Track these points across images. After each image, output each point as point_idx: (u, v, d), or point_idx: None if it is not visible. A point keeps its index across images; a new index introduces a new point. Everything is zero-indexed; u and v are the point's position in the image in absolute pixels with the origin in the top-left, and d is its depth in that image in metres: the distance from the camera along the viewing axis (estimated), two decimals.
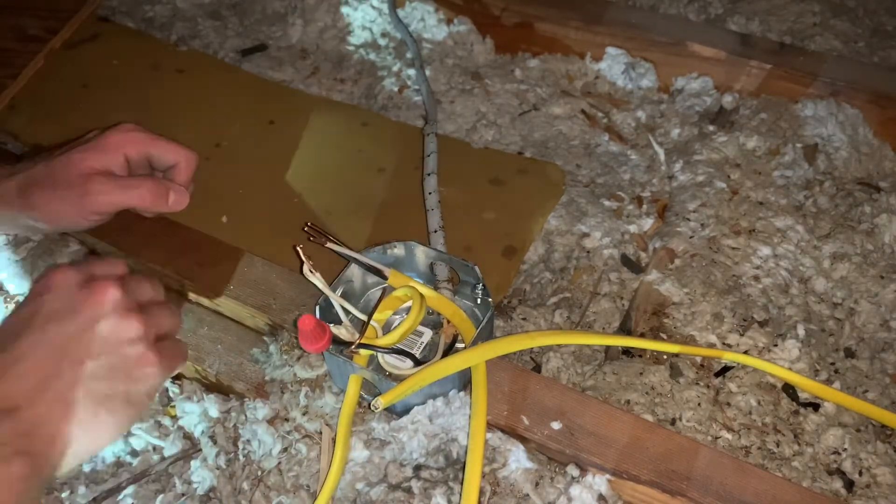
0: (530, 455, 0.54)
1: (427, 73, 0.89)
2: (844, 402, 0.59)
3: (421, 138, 0.79)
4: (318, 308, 0.58)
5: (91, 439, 0.48)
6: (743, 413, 0.59)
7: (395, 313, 0.62)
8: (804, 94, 0.82)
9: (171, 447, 0.60)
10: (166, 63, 0.93)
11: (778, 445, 0.58)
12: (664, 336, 0.64)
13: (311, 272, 0.56)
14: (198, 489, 0.57)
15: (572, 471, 0.54)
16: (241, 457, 0.57)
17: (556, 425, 0.54)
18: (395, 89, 0.89)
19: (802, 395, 0.61)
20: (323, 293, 0.57)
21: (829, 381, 0.61)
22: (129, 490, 0.58)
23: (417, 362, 0.57)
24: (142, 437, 0.61)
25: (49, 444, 0.45)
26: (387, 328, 0.61)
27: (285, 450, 0.56)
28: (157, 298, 0.55)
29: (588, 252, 0.71)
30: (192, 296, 0.66)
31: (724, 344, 0.63)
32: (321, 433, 0.57)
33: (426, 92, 0.85)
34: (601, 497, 0.52)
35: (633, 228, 0.73)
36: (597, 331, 0.66)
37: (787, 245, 0.70)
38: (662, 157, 0.80)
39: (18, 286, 0.68)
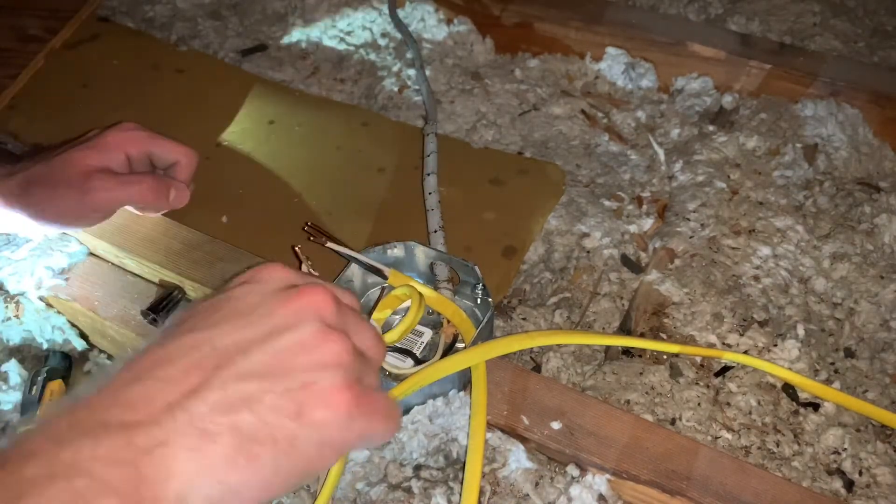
0: (530, 455, 0.54)
1: (427, 73, 0.89)
2: (844, 403, 0.59)
3: (421, 138, 0.79)
4: None
5: (215, 492, 0.33)
6: (743, 413, 0.59)
7: (394, 313, 0.62)
8: (804, 94, 0.82)
9: None
10: (166, 63, 0.93)
11: (778, 445, 0.58)
12: (664, 336, 0.64)
13: (310, 272, 0.56)
14: None
15: (572, 471, 0.54)
16: None
17: (556, 425, 0.54)
18: (395, 89, 0.89)
19: (802, 395, 0.61)
20: None
21: (828, 381, 0.61)
22: None
23: (417, 362, 0.57)
24: None
25: (157, 485, 0.32)
26: (386, 327, 0.61)
27: None
28: (377, 350, 0.42)
29: (588, 252, 0.71)
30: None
31: (723, 344, 0.63)
32: None
33: (426, 92, 0.85)
34: (601, 497, 0.52)
35: (633, 228, 0.73)
36: (597, 331, 0.66)
37: (786, 245, 0.70)
38: (662, 157, 0.80)
39: (18, 286, 0.68)
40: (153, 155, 0.67)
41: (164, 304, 0.64)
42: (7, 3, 0.98)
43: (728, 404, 0.60)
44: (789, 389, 0.61)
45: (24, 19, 0.97)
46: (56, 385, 0.63)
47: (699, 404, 0.59)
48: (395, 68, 0.91)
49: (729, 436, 0.58)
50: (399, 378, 0.56)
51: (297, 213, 0.75)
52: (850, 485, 0.56)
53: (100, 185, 0.62)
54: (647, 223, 0.74)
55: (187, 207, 0.71)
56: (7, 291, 0.69)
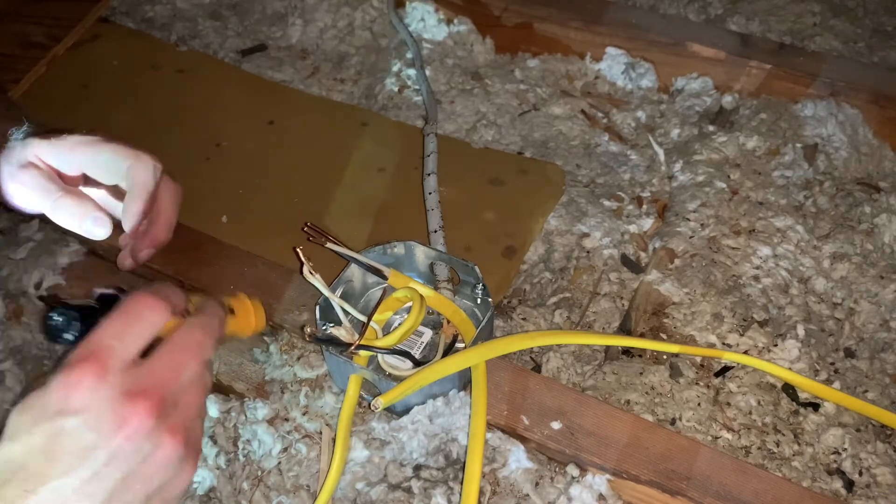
0: (530, 455, 0.54)
1: (427, 72, 0.89)
2: (844, 403, 0.59)
3: (421, 138, 0.79)
4: (318, 308, 0.58)
5: None
6: (743, 413, 0.59)
7: (395, 314, 0.62)
8: (804, 94, 0.82)
9: None
10: (166, 63, 0.93)
11: (778, 445, 0.58)
12: (664, 336, 0.64)
13: (311, 273, 0.56)
14: (198, 489, 0.57)
15: (572, 471, 0.54)
16: (241, 457, 0.57)
17: (556, 425, 0.54)
18: (395, 89, 0.89)
19: (802, 395, 0.61)
20: (323, 294, 0.57)
21: (828, 381, 0.61)
22: None
23: (417, 363, 0.57)
24: None
25: None
26: (387, 328, 0.61)
27: (285, 450, 0.56)
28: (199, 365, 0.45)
29: (588, 252, 0.71)
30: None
31: (724, 344, 0.63)
32: (321, 433, 0.57)
33: (426, 92, 0.85)
34: (601, 497, 0.52)
35: (633, 228, 0.73)
36: (597, 331, 0.66)
37: (786, 245, 0.70)
38: (662, 157, 0.80)
39: (18, 286, 0.68)
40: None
41: None
42: (11, 11, 0.98)
43: (728, 404, 0.60)
44: (789, 389, 0.61)
45: (29, 27, 0.97)
46: None
47: (699, 404, 0.59)
48: (395, 68, 0.91)
49: (729, 436, 0.58)
50: (399, 378, 0.56)
51: (297, 213, 0.75)
52: (850, 485, 0.56)
53: (26, 181, 0.58)
54: (647, 223, 0.74)
55: (187, 207, 0.71)
56: (7, 289, 0.69)
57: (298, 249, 0.56)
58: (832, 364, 0.63)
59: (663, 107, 0.86)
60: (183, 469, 0.43)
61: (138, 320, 0.43)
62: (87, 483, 0.39)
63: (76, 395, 0.40)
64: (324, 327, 0.57)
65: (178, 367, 0.43)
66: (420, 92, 0.87)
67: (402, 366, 0.58)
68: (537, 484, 0.54)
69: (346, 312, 0.57)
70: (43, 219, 0.71)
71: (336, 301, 0.57)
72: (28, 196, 0.59)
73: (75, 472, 0.39)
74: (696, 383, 0.61)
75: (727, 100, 0.84)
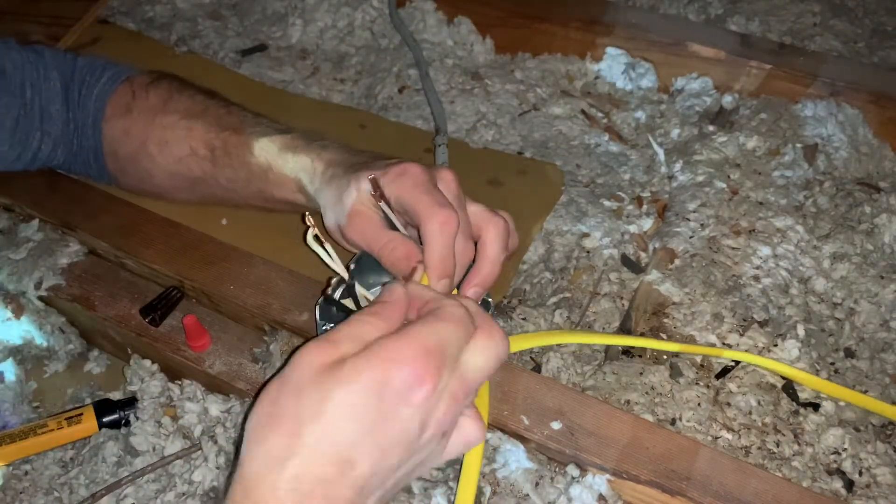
0: (530, 455, 0.54)
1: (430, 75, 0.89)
2: (845, 397, 0.59)
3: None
4: (317, 308, 0.58)
5: None
6: (743, 413, 0.59)
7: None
8: (804, 94, 0.82)
9: (171, 447, 0.60)
10: (166, 66, 0.92)
11: (778, 445, 0.58)
12: (664, 336, 0.64)
13: (318, 237, 0.53)
14: (198, 489, 0.57)
15: (572, 471, 0.54)
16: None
17: (556, 425, 0.54)
18: (396, 90, 0.89)
19: (802, 395, 0.60)
20: (330, 269, 0.56)
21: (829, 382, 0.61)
22: (129, 489, 0.58)
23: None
24: (142, 437, 0.61)
25: None
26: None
27: None
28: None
29: (588, 252, 0.71)
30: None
31: (723, 344, 0.63)
32: None
33: (435, 101, 0.84)
34: (601, 497, 0.52)
35: (633, 228, 0.73)
36: (597, 331, 0.66)
37: (786, 245, 0.70)
38: (662, 157, 0.80)
39: (18, 286, 0.68)
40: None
41: (162, 304, 0.64)
42: (10, 10, 0.98)
43: (728, 404, 0.60)
44: (789, 389, 0.61)
45: (28, 25, 0.97)
46: None
47: (699, 404, 0.59)
48: (395, 68, 0.91)
49: (729, 436, 0.58)
50: None
51: (296, 215, 0.74)
52: (850, 485, 0.56)
53: (357, 227, 0.59)
54: (647, 223, 0.74)
55: (187, 210, 0.71)
56: (7, 290, 0.69)
57: (308, 217, 0.54)
58: (832, 364, 0.63)
59: (663, 107, 0.86)
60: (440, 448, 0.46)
61: (463, 330, 0.46)
62: (393, 470, 0.43)
63: (420, 390, 0.42)
64: (324, 328, 0.57)
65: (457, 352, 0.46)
66: (426, 97, 0.86)
67: None
68: (537, 484, 0.54)
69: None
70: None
71: (339, 267, 0.55)
72: (361, 241, 0.59)
73: (392, 460, 0.43)
74: (696, 383, 0.61)
75: (727, 100, 0.84)
